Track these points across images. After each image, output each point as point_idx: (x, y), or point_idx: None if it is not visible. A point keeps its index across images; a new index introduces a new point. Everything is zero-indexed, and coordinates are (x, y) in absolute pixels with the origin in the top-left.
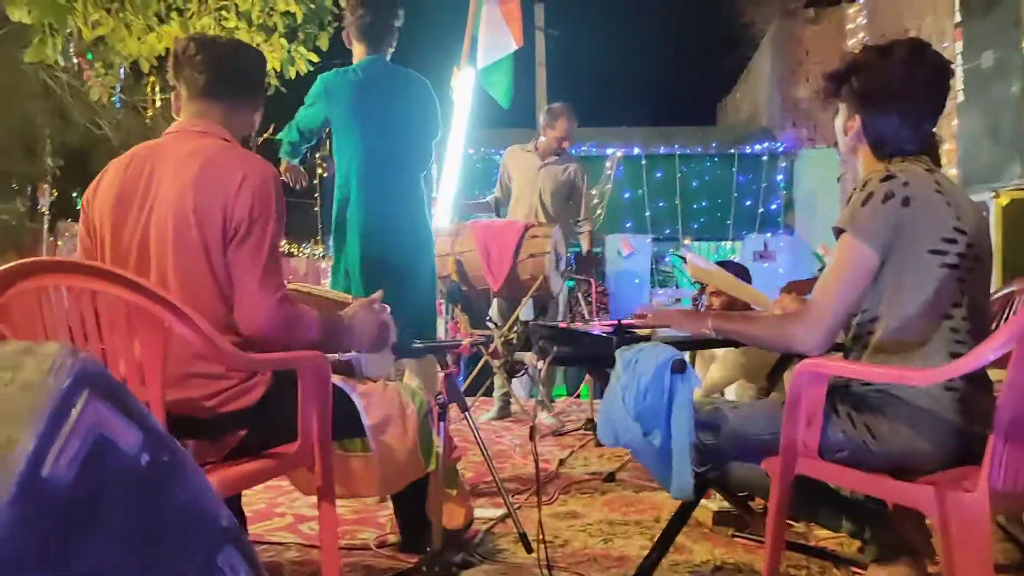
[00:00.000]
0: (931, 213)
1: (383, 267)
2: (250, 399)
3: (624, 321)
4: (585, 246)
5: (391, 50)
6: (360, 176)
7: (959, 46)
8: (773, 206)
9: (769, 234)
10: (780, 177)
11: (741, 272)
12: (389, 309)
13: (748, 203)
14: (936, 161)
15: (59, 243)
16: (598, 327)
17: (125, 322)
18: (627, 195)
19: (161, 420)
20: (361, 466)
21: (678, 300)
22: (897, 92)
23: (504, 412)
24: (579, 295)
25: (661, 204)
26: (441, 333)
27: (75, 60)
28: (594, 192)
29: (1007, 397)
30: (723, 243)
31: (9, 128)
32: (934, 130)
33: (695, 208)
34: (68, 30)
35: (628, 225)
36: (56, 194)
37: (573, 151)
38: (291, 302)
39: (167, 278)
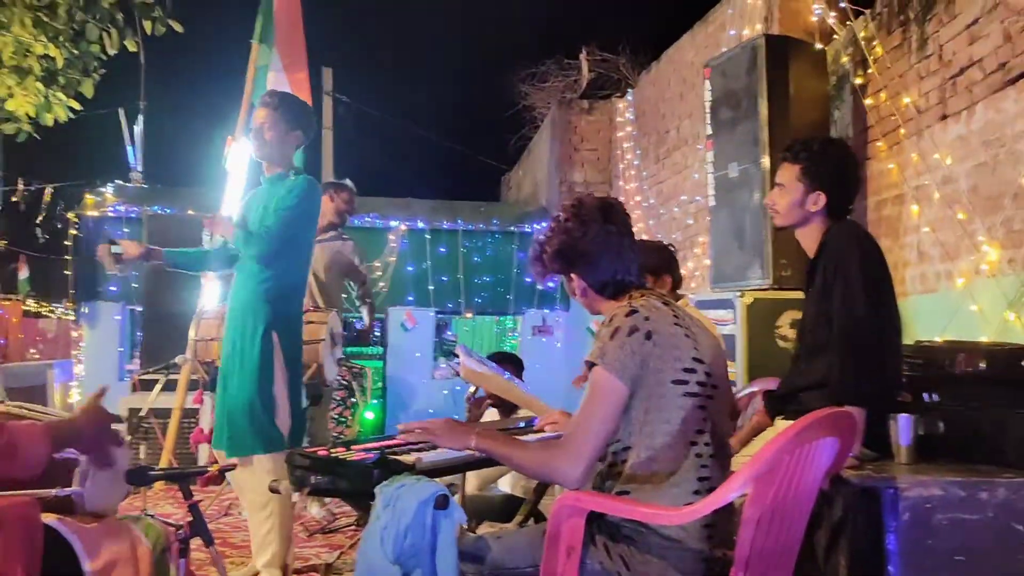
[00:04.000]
0: (671, 345)
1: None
2: None
3: (386, 443)
4: (366, 319)
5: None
6: None
7: (710, 155)
8: (551, 283)
9: (547, 310)
10: None
11: (516, 363)
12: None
13: (528, 279)
14: (678, 280)
15: None
16: (361, 454)
17: None
18: (411, 268)
19: None
20: None
21: (457, 373)
22: (585, 239)
23: None
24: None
25: (444, 278)
26: (205, 422)
27: None
28: (377, 264)
29: (745, 532)
30: (505, 317)
31: None
32: (668, 243)
33: (477, 283)
34: None
35: (411, 298)
36: None
37: (357, 222)
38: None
39: None
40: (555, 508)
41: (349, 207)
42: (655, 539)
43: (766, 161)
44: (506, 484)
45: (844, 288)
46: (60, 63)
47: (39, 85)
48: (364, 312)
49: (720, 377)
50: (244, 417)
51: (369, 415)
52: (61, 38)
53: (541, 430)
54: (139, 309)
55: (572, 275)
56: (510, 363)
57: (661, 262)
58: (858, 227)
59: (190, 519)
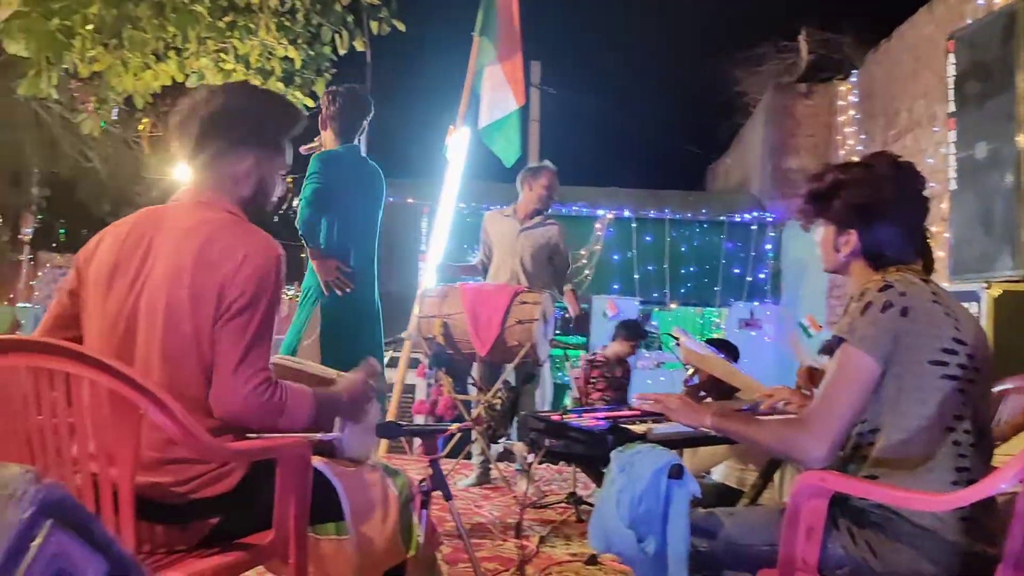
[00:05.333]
0: (929, 323)
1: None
2: (225, 485)
3: (620, 413)
4: (572, 309)
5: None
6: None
7: (952, 135)
8: (761, 275)
9: (756, 303)
10: (769, 246)
11: (731, 350)
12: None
13: (736, 270)
14: (929, 265)
15: (39, 273)
16: (592, 421)
17: (99, 404)
18: (616, 257)
19: (130, 506)
20: (333, 550)
21: (660, 364)
22: (893, 203)
23: (483, 479)
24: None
25: (650, 268)
26: (423, 395)
27: (71, 93)
28: (583, 252)
29: (1018, 527)
30: (709, 309)
31: None
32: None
33: (683, 273)
34: (64, 65)
35: (615, 287)
36: (39, 224)
37: (564, 211)
38: (276, 390)
39: (153, 357)
40: (796, 487)
41: (549, 191)
42: (907, 527)
43: (1022, 139)
44: (719, 473)
45: None
46: (298, 64)
47: (280, 84)
48: (566, 300)
49: (983, 360)
50: None
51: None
52: (299, 41)
53: (770, 411)
54: None
55: (852, 231)
56: (725, 348)
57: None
58: None
59: (431, 473)
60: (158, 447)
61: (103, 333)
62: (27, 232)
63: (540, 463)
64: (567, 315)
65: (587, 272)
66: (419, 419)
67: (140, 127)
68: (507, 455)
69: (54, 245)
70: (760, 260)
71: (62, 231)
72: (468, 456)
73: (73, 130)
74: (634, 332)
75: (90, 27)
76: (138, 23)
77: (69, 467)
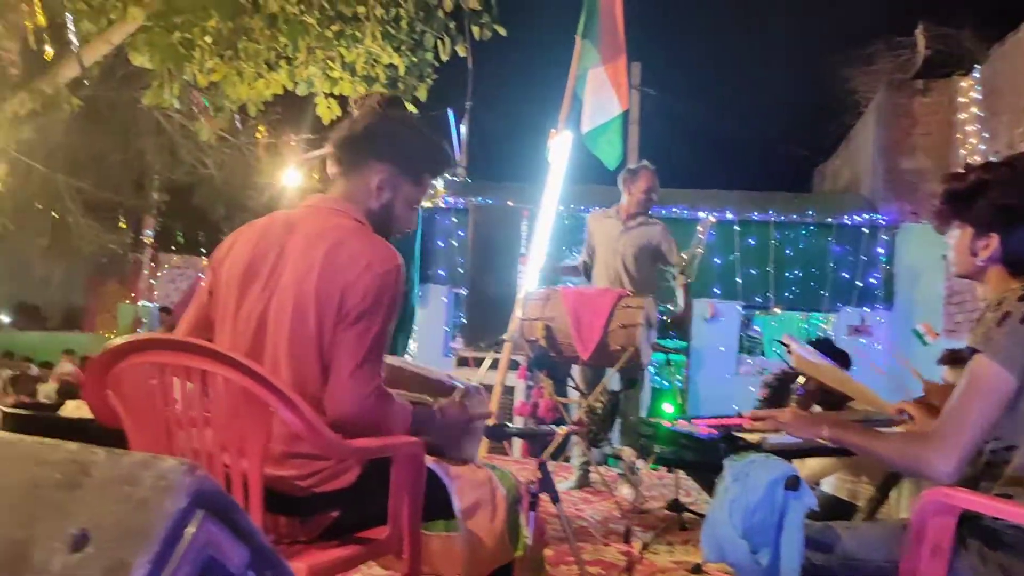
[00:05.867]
0: None
1: None
2: (345, 481)
3: (727, 420)
4: (681, 301)
5: None
6: None
7: None
8: (872, 279)
9: (866, 308)
10: (881, 250)
11: (842, 358)
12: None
13: (845, 274)
14: None
15: (159, 273)
16: (704, 428)
17: (231, 400)
18: (718, 260)
19: (258, 497)
20: (441, 546)
21: (763, 370)
22: None
23: (583, 481)
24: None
25: (752, 271)
26: (523, 397)
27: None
28: (684, 256)
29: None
30: (816, 314)
31: (123, 163)
32: None
33: (788, 277)
34: (184, 76)
35: (716, 291)
36: (159, 227)
37: (664, 212)
38: (385, 398)
39: (280, 355)
40: (921, 503)
41: (647, 193)
42: None
43: None
44: (829, 485)
45: None
46: (402, 70)
47: (383, 91)
48: (679, 295)
49: None
50: None
51: (668, 407)
52: (403, 48)
53: (890, 423)
54: (463, 292)
55: (993, 235)
56: (836, 356)
57: None
58: None
59: (539, 476)
60: (284, 441)
61: (236, 331)
62: (148, 234)
63: (651, 468)
64: (668, 317)
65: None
66: (519, 420)
67: (258, 134)
68: (602, 436)
69: (172, 248)
70: (871, 264)
71: (179, 234)
72: (567, 459)
73: (191, 137)
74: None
75: (208, 39)
76: (252, 35)
77: (204, 458)
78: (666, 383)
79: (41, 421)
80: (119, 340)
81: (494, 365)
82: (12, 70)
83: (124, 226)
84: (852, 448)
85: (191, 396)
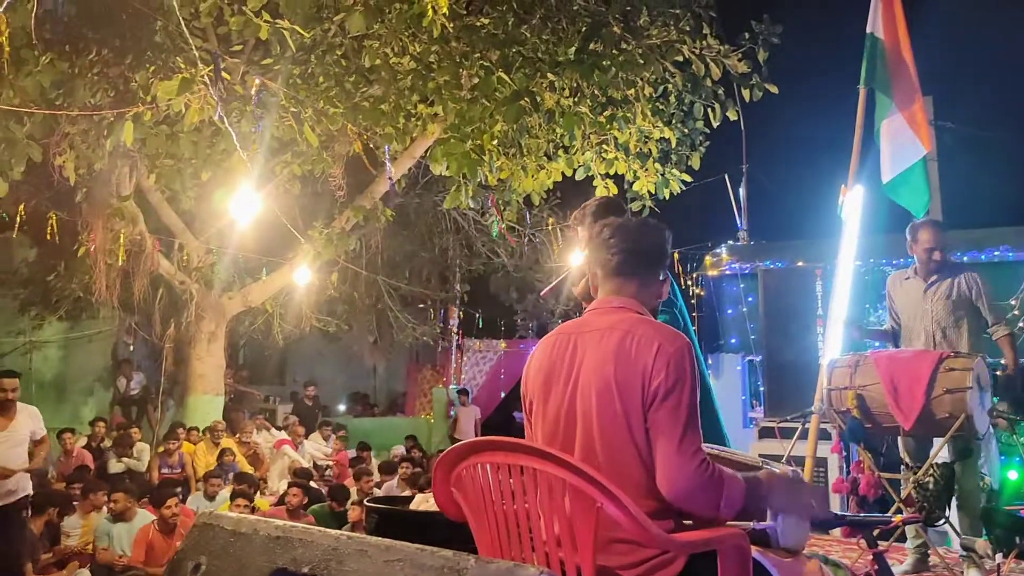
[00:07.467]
0: None
1: None
2: (671, 571)
3: None
4: (1007, 357)
5: None
6: None
7: None
8: None
9: None
10: None
11: None
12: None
13: None
14: None
15: (464, 357)
16: None
17: (559, 494)
18: None
19: None
20: None
21: None
22: None
23: (920, 566)
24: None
25: None
26: (837, 471)
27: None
28: (1012, 302)
29: None
30: None
31: (429, 261)
32: None
33: None
34: (478, 179)
35: None
36: (462, 316)
37: (984, 257)
38: (713, 466)
39: (594, 446)
40: None
41: (931, 247)
42: None
43: None
44: None
45: None
46: (673, 142)
47: (657, 165)
48: (1006, 350)
49: None
50: None
51: (1012, 474)
52: (674, 120)
53: None
54: (756, 359)
55: None
56: None
57: None
58: None
59: (875, 567)
60: (607, 527)
61: (546, 433)
62: (453, 323)
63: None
64: (1000, 372)
65: (1021, 324)
66: (837, 498)
67: (548, 224)
68: (938, 514)
69: (474, 333)
70: None
71: (479, 319)
72: (901, 538)
73: (484, 231)
74: None
75: (495, 143)
76: (532, 131)
77: (541, 554)
78: (1010, 444)
79: (396, 515)
80: (462, 443)
81: (802, 435)
82: (339, 192)
83: (433, 318)
84: None
85: (522, 493)
